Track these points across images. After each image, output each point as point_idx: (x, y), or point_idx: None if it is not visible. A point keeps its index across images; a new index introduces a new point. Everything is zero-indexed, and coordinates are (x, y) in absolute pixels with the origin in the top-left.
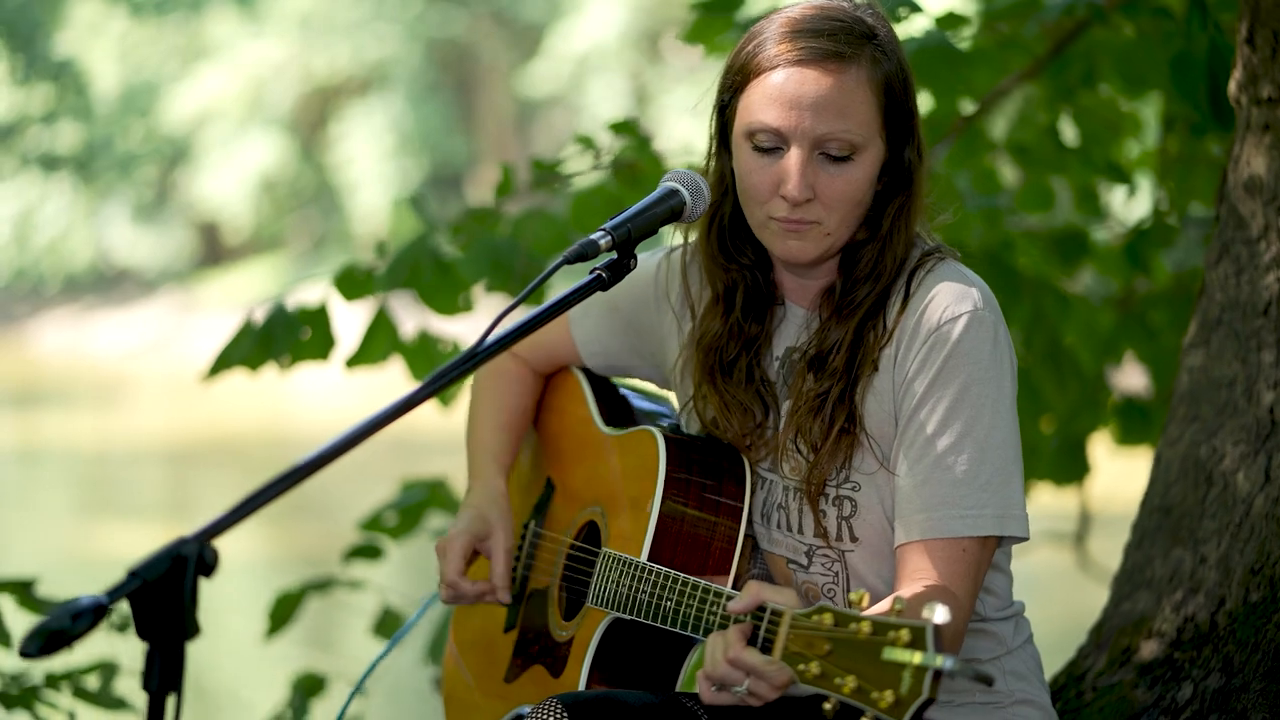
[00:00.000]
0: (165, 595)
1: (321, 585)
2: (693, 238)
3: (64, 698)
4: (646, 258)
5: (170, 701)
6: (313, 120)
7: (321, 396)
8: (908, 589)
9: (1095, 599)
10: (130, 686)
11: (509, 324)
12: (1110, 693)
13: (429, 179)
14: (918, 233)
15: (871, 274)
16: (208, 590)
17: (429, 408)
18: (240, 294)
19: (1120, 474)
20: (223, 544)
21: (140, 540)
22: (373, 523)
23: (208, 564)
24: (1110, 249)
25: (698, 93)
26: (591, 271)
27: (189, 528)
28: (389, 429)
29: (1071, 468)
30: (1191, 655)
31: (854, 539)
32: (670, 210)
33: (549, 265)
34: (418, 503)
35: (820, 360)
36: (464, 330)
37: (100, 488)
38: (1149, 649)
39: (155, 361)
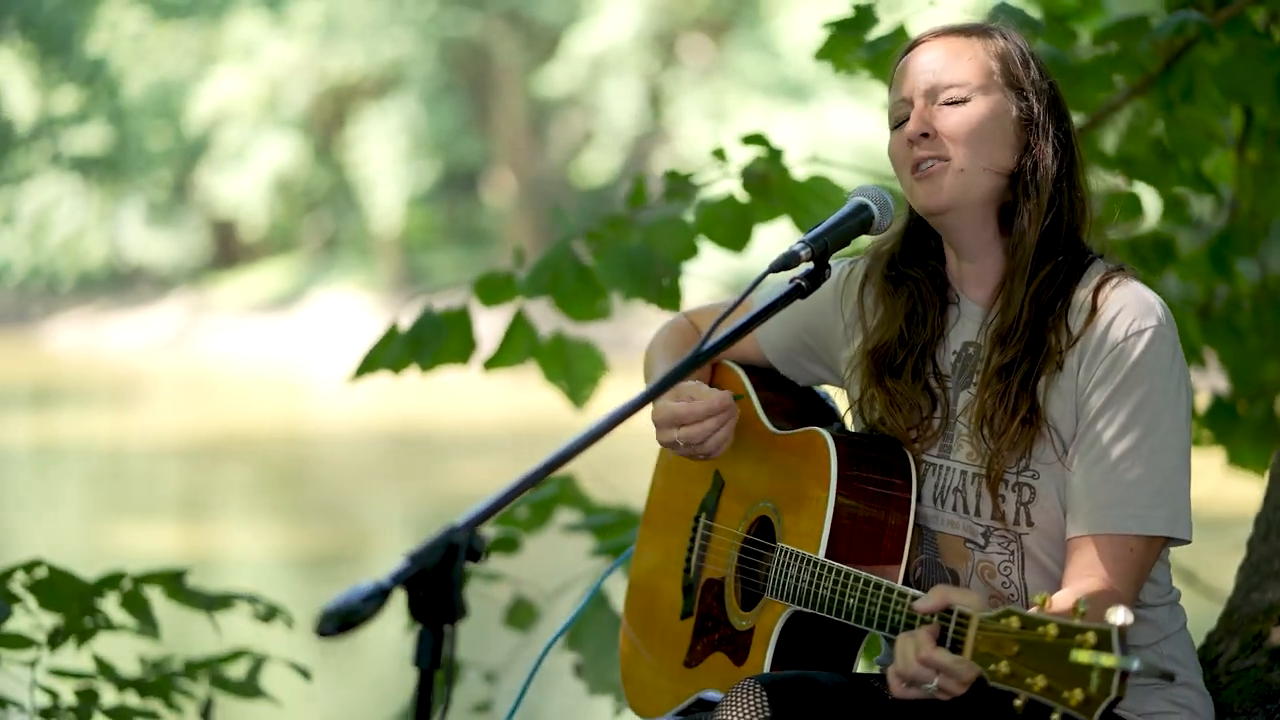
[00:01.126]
0: (438, 579)
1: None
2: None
3: (201, 686)
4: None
5: (439, 678)
6: (328, 121)
7: (331, 396)
8: (1078, 582)
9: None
10: (271, 674)
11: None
12: (1246, 676)
13: (443, 180)
14: (1098, 252)
15: (1026, 234)
16: None
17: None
18: (253, 294)
19: (1210, 475)
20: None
21: (155, 537)
22: (505, 516)
23: (476, 551)
24: (1194, 255)
25: (713, 96)
26: (791, 281)
27: (204, 525)
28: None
29: None
30: None
31: (1030, 523)
32: (860, 223)
33: (680, 269)
34: (549, 498)
35: (1004, 336)
36: (594, 334)
37: (115, 485)
38: None
39: (169, 360)
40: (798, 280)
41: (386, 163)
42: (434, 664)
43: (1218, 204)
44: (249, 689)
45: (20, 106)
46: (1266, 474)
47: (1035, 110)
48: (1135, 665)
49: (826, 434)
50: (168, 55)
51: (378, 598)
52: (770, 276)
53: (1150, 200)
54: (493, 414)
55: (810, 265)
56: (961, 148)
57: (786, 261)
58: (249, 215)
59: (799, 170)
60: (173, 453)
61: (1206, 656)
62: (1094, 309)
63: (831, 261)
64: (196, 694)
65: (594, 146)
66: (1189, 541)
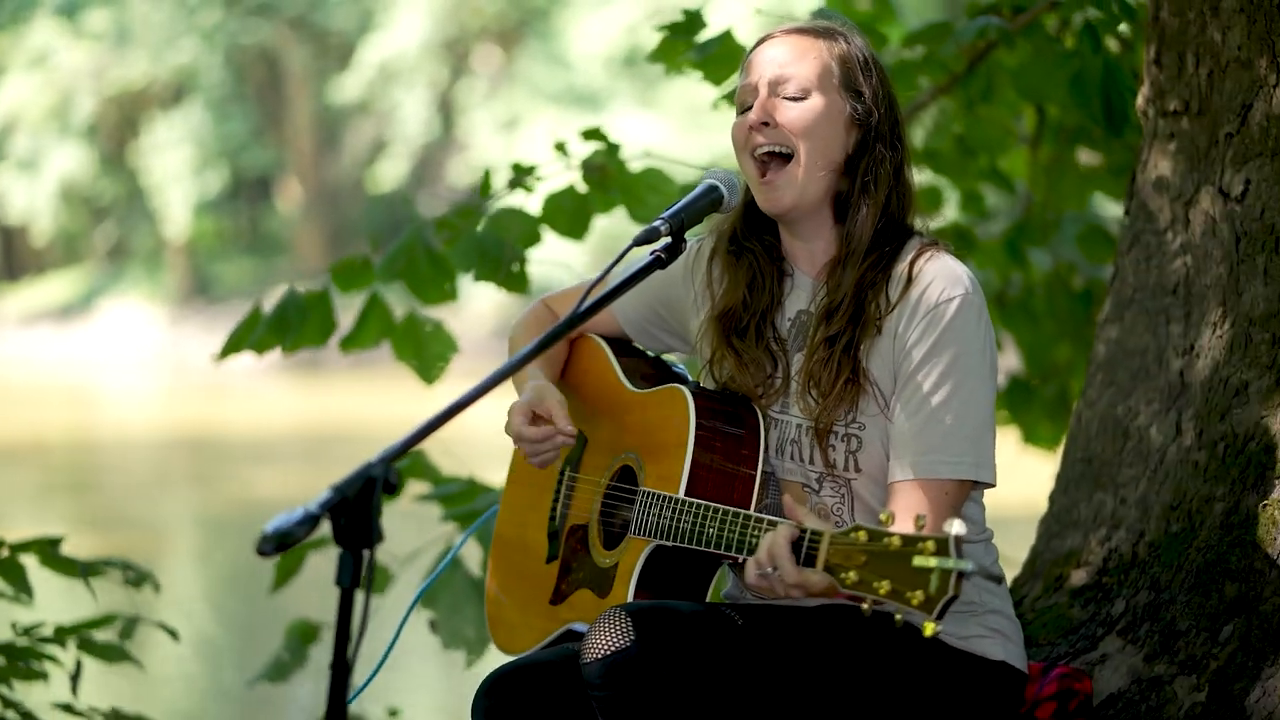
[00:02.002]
0: (358, 508)
1: (318, 543)
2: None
3: (70, 652)
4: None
5: (359, 596)
6: (117, 129)
7: (119, 404)
8: (900, 516)
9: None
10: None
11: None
12: (1049, 612)
13: (233, 187)
14: (917, 228)
15: (860, 227)
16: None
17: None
18: (41, 303)
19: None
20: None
21: None
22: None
23: (391, 483)
24: (991, 245)
25: (504, 104)
26: (651, 254)
27: None
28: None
29: None
30: (1119, 579)
31: (858, 469)
32: (711, 202)
33: (617, 254)
34: (399, 469)
35: (830, 311)
36: (442, 315)
37: None
38: (1079, 577)
39: None
40: (658, 253)
41: (175, 171)
42: (354, 583)
43: (1012, 198)
44: (114, 653)
45: None
46: (1060, 448)
47: (873, 113)
48: (970, 566)
49: (685, 389)
50: None
51: (308, 523)
52: (633, 250)
53: (951, 193)
54: (280, 420)
55: (669, 239)
56: (801, 140)
57: (648, 236)
58: (36, 223)
59: (636, 164)
60: None
61: (1013, 598)
62: (910, 279)
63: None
64: (64, 659)
65: (385, 154)
66: (994, 485)
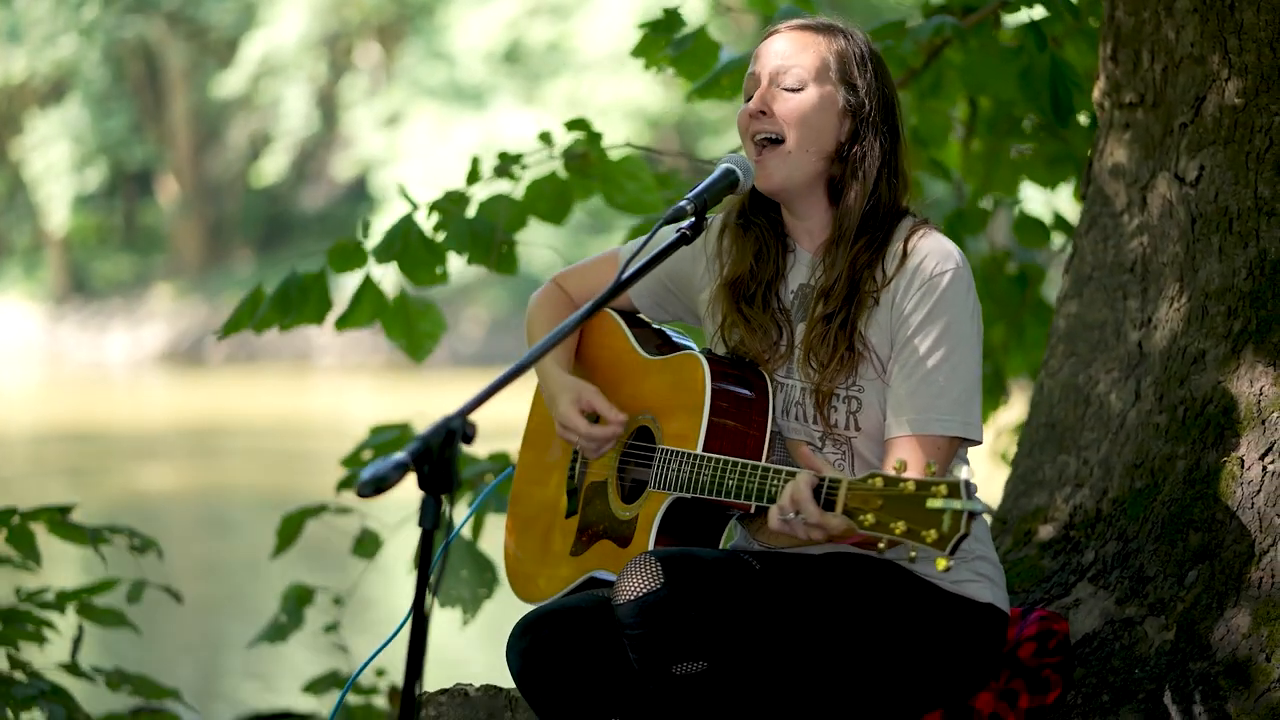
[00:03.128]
0: (439, 458)
1: (316, 511)
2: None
3: (70, 617)
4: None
5: (438, 538)
6: None
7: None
8: (912, 469)
9: None
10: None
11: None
12: (1021, 564)
13: (112, 183)
14: (910, 208)
15: (850, 210)
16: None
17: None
18: None
19: None
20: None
21: None
22: (352, 459)
23: (468, 435)
24: None
25: (386, 102)
26: (677, 231)
27: None
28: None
29: None
30: (1085, 532)
31: (858, 429)
32: (729, 184)
33: (651, 229)
34: (389, 441)
35: (826, 292)
36: (432, 295)
37: None
38: (1046, 531)
39: None
40: (683, 230)
41: (54, 167)
42: (435, 524)
43: (949, 187)
44: (112, 617)
45: None
46: (992, 422)
47: (866, 106)
48: (981, 506)
49: (700, 355)
50: None
51: (401, 468)
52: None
53: None
54: (160, 414)
55: (693, 218)
56: (792, 129)
57: (676, 215)
58: None
59: (615, 154)
60: None
61: None
62: (905, 255)
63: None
64: (61, 625)
65: (267, 150)
66: (980, 442)
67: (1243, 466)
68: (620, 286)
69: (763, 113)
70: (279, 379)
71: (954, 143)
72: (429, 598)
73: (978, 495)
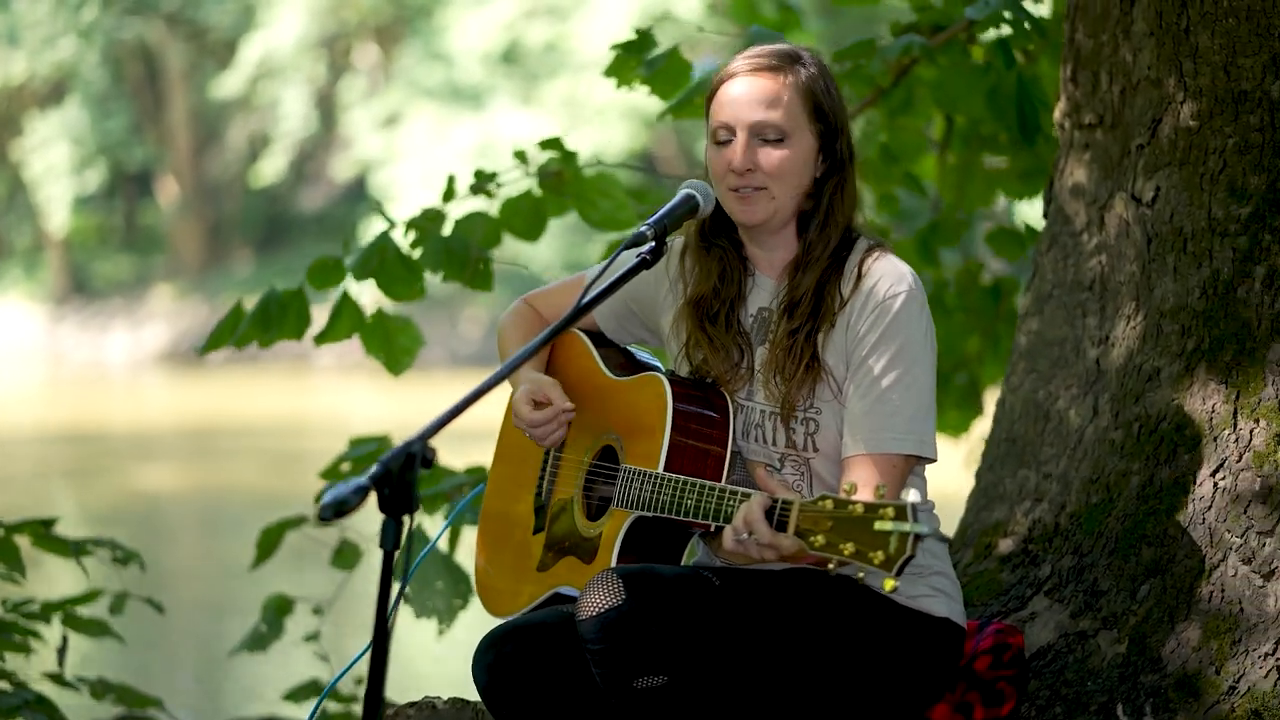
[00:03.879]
0: (399, 480)
1: (296, 523)
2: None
3: (55, 627)
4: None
5: (398, 558)
6: None
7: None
8: (863, 489)
9: None
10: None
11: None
12: (980, 577)
13: (112, 184)
14: (861, 229)
15: (821, 240)
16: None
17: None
18: None
19: None
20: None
21: None
22: (331, 472)
23: (427, 459)
24: (904, 244)
25: (384, 102)
26: (637, 256)
27: None
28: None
29: None
30: (1043, 546)
31: (815, 449)
32: (689, 210)
33: (609, 255)
34: (367, 454)
35: (792, 307)
36: (406, 310)
37: None
38: (1006, 545)
39: None
40: (643, 255)
41: (54, 168)
42: (395, 546)
43: (924, 200)
44: (97, 627)
45: None
46: (967, 433)
47: (836, 134)
48: (926, 529)
49: (662, 376)
50: None
51: (361, 492)
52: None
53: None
54: (160, 415)
55: (653, 243)
56: (779, 184)
57: (636, 240)
58: None
59: (590, 171)
60: None
61: None
62: (859, 276)
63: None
64: (48, 635)
65: (266, 151)
66: (935, 460)
67: (1194, 483)
68: (580, 311)
69: (750, 170)
70: (278, 379)
71: (931, 156)
72: (391, 613)
73: (932, 513)
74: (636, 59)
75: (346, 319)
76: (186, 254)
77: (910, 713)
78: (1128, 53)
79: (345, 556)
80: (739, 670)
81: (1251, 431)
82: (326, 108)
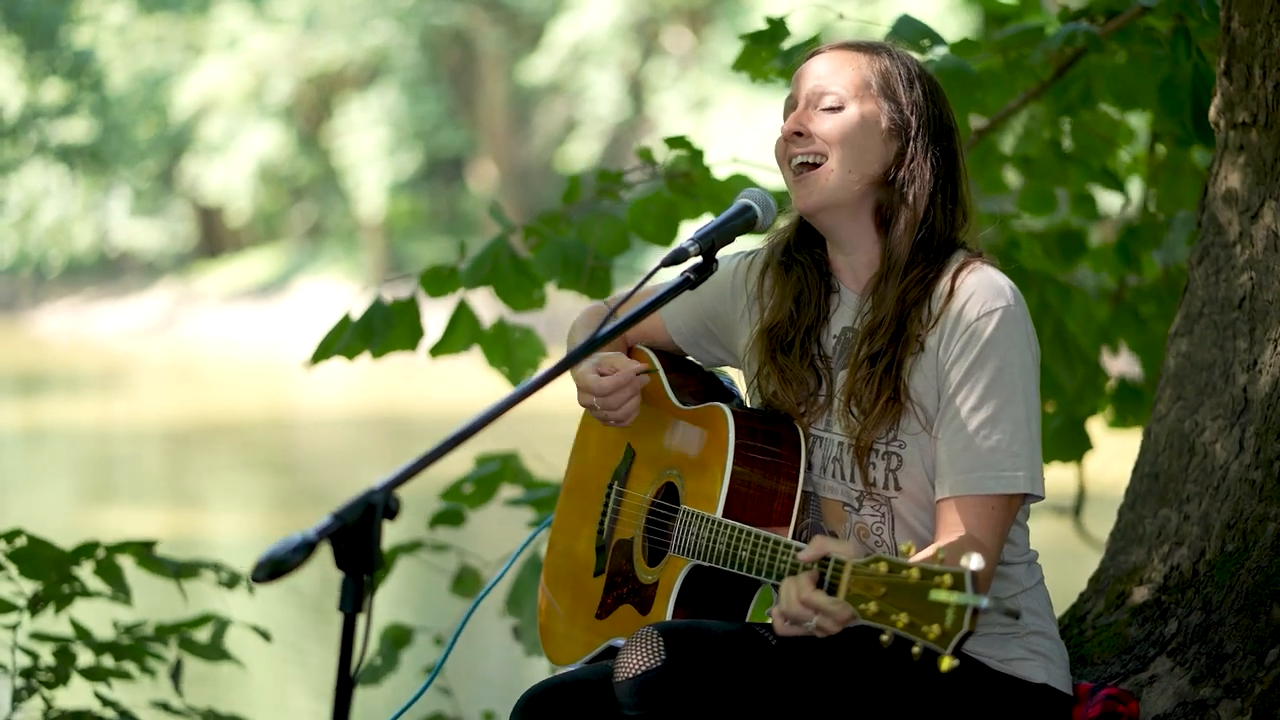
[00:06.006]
0: (358, 534)
1: (410, 548)
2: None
3: (171, 649)
4: (729, 258)
5: (360, 620)
6: (312, 110)
7: (316, 382)
8: (944, 539)
9: (1088, 563)
10: (235, 638)
11: (622, 311)
12: (1107, 630)
13: (426, 168)
14: (964, 242)
15: (900, 243)
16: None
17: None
18: (239, 281)
19: (1110, 455)
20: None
21: (141, 521)
22: (453, 492)
23: (391, 510)
24: (1104, 247)
25: (694, 85)
26: (681, 274)
27: (189, 509)
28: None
29: (1074, 446)
30: (1176, 598)
31: (898, 488)
32: (745, 223)
33: (645, 267)
34: (492, 474)
35: (874, 328)
36: (534, 321)
37: (102, 469)
38: (1140, 594)
39: (156, 347)
40: (687, 274)
41: (370, 151)
42: (356, 608)
43: (1125, 199)
44: (214, 652)
45: (6, 98)
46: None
47: (912, 126)
48: (985, 603)
49: (726, 408)
50: (152, 47)
51: (304, 550)
52: (663, 270)
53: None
54: (473, 400)
55: (699, 259)
56: (834, 149)
57: (677, 257)
58: (234, 203)
59: (723, 170)
60: (158, 438)
61: (1076, 613)
62: (951, 293)
63: (727, 253)
64: (166, 656)
65: (576, 135)
66: (1042, 498)
67: None
68: (596, 343)
69: (799, 134)
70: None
71: (1140, 153)
72: (354, 679)
73: (1034, 564)
74: (770, 50)
75: (464, 329)
76: None
77: None
78: None
79: (466, 583)
80: None
81: None
82: (636, 92)
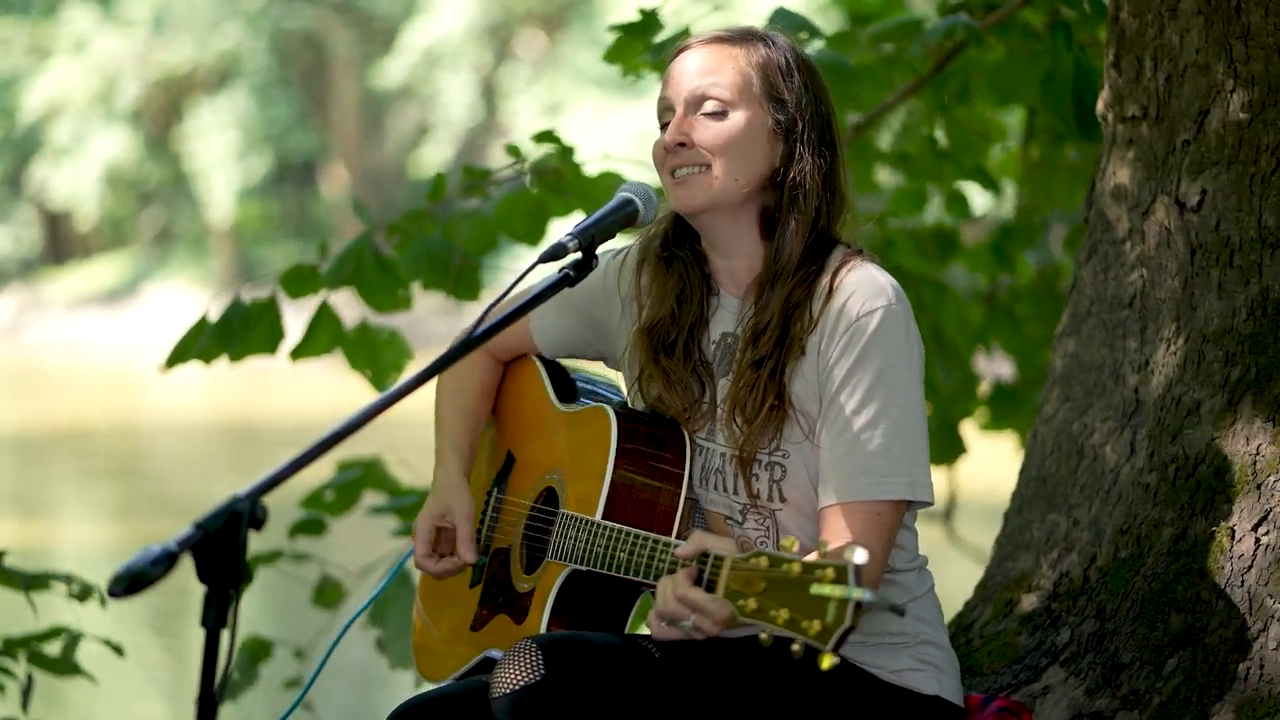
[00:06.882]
0: (222, 545)
1: (270, 558)
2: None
3: (20, 665)
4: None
5: (224, 636)
6: (161, 114)
7: (163, 390)
8: (830, 544)
9: (961, 569)
10: (87, 652)
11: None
12: (996, 639)
13: (278, 171)
14: (841, 237)
15: (787, 248)
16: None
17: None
18: (86, 287)
19: (983, 459)
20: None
21: None
22: (313, 500)
23: (258, 519)
24: (978, 247)
25: (547, 90)
26: (560, 270)
27: (34, 518)
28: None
29: (949, 449)
30: (1067, 605)
31: (783, 499)
32: (626, 217)
33: (515, 266)
34: (354, 480)
35: (757, 333)
36: (398, 323)
37: None
38: (1029, 601)
39: (0, 354)
40: (566, 270)
41: (220, 155)
42: (219, 623)
43: (998, 198)
44: (66, 666)
45: None
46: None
47: (797, 121)
48: (868, 596)
49: (610, 409)
50: (4, 50)
51: (165, 562)
52: (540, 267)
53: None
54: (321, 408)
55: (578, 255)
56: (718, 158)
57: (555, 253)
58: (82, 208)
59: (592, 166)
60: (4, 446)
61: (962, 622)
62: (831, 292)
63: (599, 252)
64: (16, 671)
65: (429, 139)
66: (931, 503)
67: (1233, 538)
68: (463, 348)
69: (682, 145)
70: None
71: (1012, 150)
72: (217, 696)
73: (923, 570)
74: (642, 42)
75: (325, 331)
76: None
77: None
78: (1174, 34)
79: (327, 595)
80: None
81: None
82: (489, 96)
